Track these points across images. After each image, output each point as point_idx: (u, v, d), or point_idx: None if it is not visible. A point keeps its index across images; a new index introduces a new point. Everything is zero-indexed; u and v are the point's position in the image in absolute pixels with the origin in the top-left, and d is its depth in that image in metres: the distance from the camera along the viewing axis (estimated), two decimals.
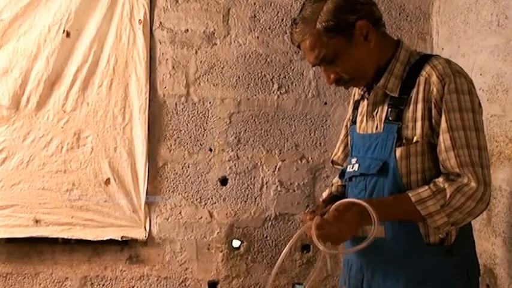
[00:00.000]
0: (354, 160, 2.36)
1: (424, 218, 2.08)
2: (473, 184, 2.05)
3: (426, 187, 2.09)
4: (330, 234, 2.07)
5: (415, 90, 2.18)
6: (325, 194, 2.62)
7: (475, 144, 2.09)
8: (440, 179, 2.10)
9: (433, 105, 2.13)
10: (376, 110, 2.29)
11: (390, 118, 2.21)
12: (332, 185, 2.64)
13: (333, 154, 2.68)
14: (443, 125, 2.10)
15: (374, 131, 2.29)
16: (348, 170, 2.39)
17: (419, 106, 2.16)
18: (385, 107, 2.25)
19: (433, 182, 2.11)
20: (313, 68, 3.93)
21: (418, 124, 2.16)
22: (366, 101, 2.35)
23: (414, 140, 2.16)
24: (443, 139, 2.10)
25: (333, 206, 2.10)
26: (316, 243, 2.07)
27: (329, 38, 2.19)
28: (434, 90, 2.12)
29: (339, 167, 2.66)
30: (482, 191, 2.05)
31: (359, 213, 2.05)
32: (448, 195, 2.05)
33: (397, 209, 2.11)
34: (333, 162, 2.70)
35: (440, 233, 2.13)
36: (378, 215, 2.03)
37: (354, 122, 2.45)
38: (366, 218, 2.04)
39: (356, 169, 2.32)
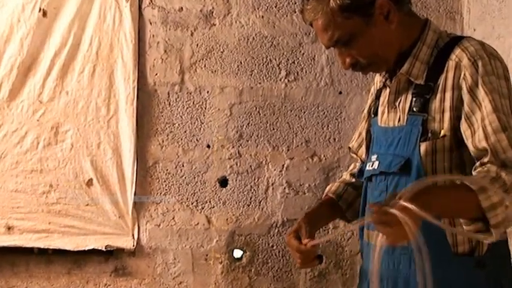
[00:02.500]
0: (374, 157, 2.34)
1: (485, 210, 1.99)
2: None
3: (482, 173, 2.02)
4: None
5: (443, 76, 2.15)
6: (327, 189, 2.61)
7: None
8: (492, 168, 2.02)
9: (465, 90, 2.10)
10: (399, 100, 2.27)
11: (414, 109, 2.19)
12: (339, 178, 2.65)
13: (351, 141, 2.68)
14: (488, 106, 2.06)
15: (396, 124, 2.27)
16: (368, 168, 2.37)
17: (448, 95, 2.13)
18: (409, 96, 2.22)
19: (482, 169, 2.04)
20: (326, 53, 3.94)
21: (447, 116, 2.13)
22: (387, 89, 2.34)
23: (441, 134, 2.13)
24: (490, 121, 2.06)
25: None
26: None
27: (344, 18, 2.17)
28: (467, 74, 2.10)
29: (355, 156, 2.65)
30: None
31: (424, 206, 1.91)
32: (508, 183, 1.99)
33: (455, 203, 2.03)
34: (350, 149, 2.69)
35: (496, 233, 2.03)
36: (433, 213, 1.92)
37: (375, 113, 2.44)
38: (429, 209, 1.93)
39: (376, 167, 2.30)
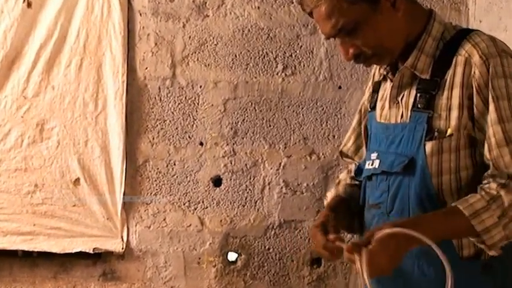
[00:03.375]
0: (374, 155, 2.33)
1: (479, 234, 2.06)
2: None
3: (478, 196, 2.06)
4: (380, 267, 2.06)
5: (450, 72, 2.14)
6: (329, 196, 2.60)
7: None
8: (493, 185, 2.07)
9: (475, 91, 2.10)
10: (401, 95, 2.26)
11: (419, 105, 2.18)
12: (339, 182, 2.63)
13: (343, 144, 2.67)
14: (493, 115, 2.08)
15: (399, 120, 2.26)
16: (367, 167, 2.37)
17: (456, 92, 2.12)
18: (413, 92, 2.21)
19: (482, 189, 2.09)
20: (325, 45, 3.95)
21: (454, 114, 2.12)
22: (388, 82, 2.33)
23: (448, 133, 2.13)
24: (494, 132, 2.08)
25: (376, 236, 2.07)
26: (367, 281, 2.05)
27: (350, 3, 2.15)
28: (477, 72, 2.10)
29: (349, 160, 2.65)
30: None
31: (406, 240, 2.05)
32: (506, 204, 2.04)
33: (447, 227, 2.09)
34: (341, 153, 2.68)
35: (495, 252, 2.10)
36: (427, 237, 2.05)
37: (372, 108, 2.43)
38: (413, 243, 2.05)
39: (377, 166, 2.29)
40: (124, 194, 3.90)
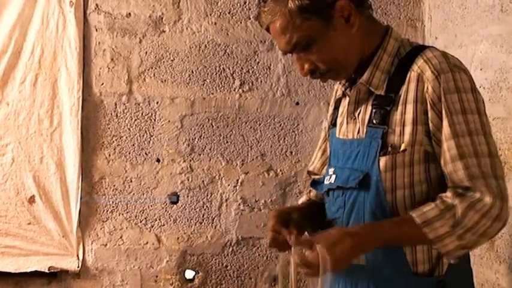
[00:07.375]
0: (331, 171, 2.37)
1: (433, 242, 2.10)
2: (487, 199, 2.07)
3: (432, 204, 2.11)
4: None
5: (404, 88, 2.19)
6: (301, 201, 2.65)
7: (485, 152, 2.12)
8: (449, 194, 2.11)
9: (429, 106, 2.15)
10: (358, 110, 2.31)
11: (374, 121, 2.22)
12: (310, 191, 2.65)
13: (310, 163, 2.70)
14: (446, 130, 2.13)
15: (355, 136, 2.30)
16: (325, 182, 2.41)
17: (410, 107, 2.18)
18: (369, 107, 2.26)
19: (439, 197, 2.13)
20: (283, 61, 3.99)
21: (407, 129, 2.17)
22: (347, 99, 2.37)
23: (402, 148, 2.17)
24: (448, 147, 2.12)
25: (321, 239, 2.13)
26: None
27: (303, 20, 2.19)
28: (430, 88, 2.14)
29: (317, 178, 2.65)
30: (498, 206, 2.07)
31: (353, 248, 2.09)
32: (459, 213, 2.07)
33: (398, 234, 2.13)
34: (309, 173, 2.71)
35: (451, 259, 2.16)
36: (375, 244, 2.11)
37: (333, 124, 2.47)
38: (362, 250, 2.12)
39: (333, 181, 2.33)
40: (80, 212, 3.89)
